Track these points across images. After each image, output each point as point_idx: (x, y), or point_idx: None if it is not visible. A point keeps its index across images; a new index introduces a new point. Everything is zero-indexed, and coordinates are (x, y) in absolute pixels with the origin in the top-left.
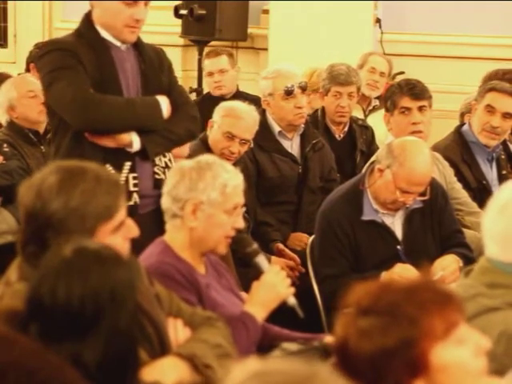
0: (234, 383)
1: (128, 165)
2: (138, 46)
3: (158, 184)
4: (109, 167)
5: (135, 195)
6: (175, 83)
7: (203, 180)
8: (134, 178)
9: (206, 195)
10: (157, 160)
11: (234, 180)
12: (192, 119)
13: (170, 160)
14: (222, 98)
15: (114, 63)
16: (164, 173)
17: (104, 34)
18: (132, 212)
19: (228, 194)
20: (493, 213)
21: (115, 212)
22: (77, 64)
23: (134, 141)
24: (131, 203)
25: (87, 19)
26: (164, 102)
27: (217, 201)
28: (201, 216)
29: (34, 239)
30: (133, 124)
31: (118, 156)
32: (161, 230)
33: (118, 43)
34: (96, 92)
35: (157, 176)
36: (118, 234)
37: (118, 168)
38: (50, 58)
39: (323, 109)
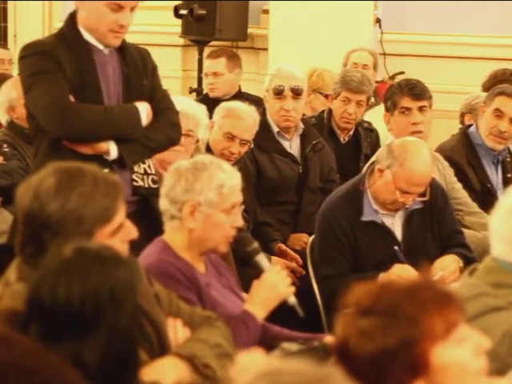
0: (244, 382)
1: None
2: (121, 48)
3: (136, 191)
4: None
5: None
6: (158, 87)
7: (199, 181)
8: None
9: (202, 196)
10: (135, 167)
11: (230, 180)
12: (172, 126)
13: (149, 166)
14: (220, 99)
15: (95, 67)
16: (143, 179)
17: (87, 36)
18: None
19: (225, 193)
20: (500, 214)
21: (113, 215)
22: (56, 69)
23: (111, 149)
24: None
25: (71, 20)
26: (144, 109)
27: (214, 201)
28: (199, 217)
29: (31, 240)
30: (110, 133)
31: (96, 162)
32: (140, 232)
33: (100, 46)
34: (76, 96)
35: (135, 183)
36: (116, 237)
37: None
38: (29, 62)
39: (330, 111)
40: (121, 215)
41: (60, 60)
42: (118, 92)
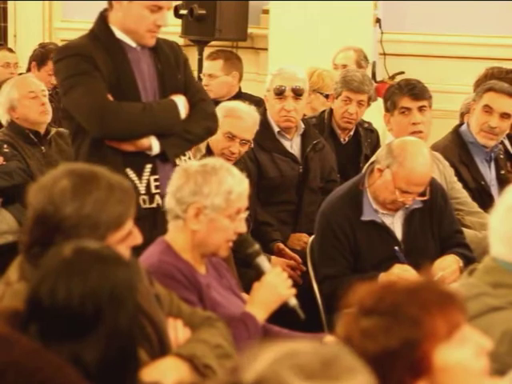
0: (263, 365)
1: (149, 167)
2: (153, 45)
3: None
4: (129, 171)
5: (157, 197)
6: (191, 80)
7: (208, 185)
8: (156, 180)
9: (209, 200)
10: (177, 160)
11: (239, 186)
12: (209, 116)
13: (189, 158)
14: (219, 100)
15: (130, 65)
16: None
17: (119, 34)
18: (155, 214)
19: (232, 200)
20: (499, 213)
21: (125, 221)
22: (92, 69)
23: (153, 144)
24: (154, 205)
25: (102, 20)
26: (181, 103)
27: (220, 207)
28: (203, 220)
29: (41, 241)
30: (151, 129)
31: (138, 159)
32: None
33: (133, 44)
34: (114, 95)
35: None
36: (124, 243)
37: (139, 171)
38: (65, 64)
39: (330, 111)
40: (131, 221)
41: (95, 60)
42: (154, 88)
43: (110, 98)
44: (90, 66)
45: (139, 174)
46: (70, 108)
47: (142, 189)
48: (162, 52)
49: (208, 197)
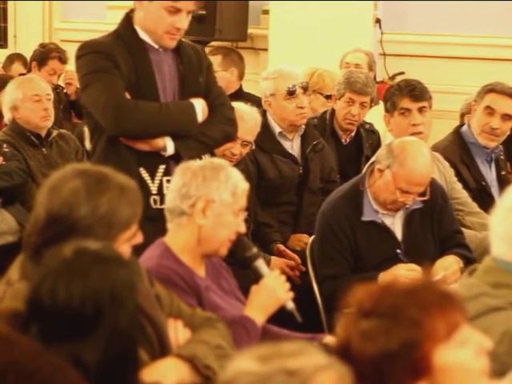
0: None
1: (162, 168)
2: (177, 47)
3: None
4: (142, 170)
5: None
6: (213, 84)
7: (217, 179)
8: (168, 181)
9: (218, 194)
10: None
11: (242, 182)
12: (228, 121)
13: None
14: None
15: (150, 65)
16: None
17: (143, 35)
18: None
19: (238, 195)
20: (500, 213)
21: (134, 222)
22: (112, 67)
23: (168, 145)
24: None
25: (127, 20)
26: (199, 106)
27: (227, 201)
28: (210, 214)
29: (52, 242)
30: (166, 129)
31: (152, 159)
32: None
33: (156, 45)
34: (132, 94)
35: None
36: (128, 242)
37: (153, 171)
38: (85, 61)
39: (333, 112)
40: (137, 222)
41: (116, 58)
42: (174, 89)
43: (128, 96)
44: (109, 63)
45: (152, 174)
46: (87, 104)
47: (154, 189)
48: (186, 54)
49: (217, 191)
